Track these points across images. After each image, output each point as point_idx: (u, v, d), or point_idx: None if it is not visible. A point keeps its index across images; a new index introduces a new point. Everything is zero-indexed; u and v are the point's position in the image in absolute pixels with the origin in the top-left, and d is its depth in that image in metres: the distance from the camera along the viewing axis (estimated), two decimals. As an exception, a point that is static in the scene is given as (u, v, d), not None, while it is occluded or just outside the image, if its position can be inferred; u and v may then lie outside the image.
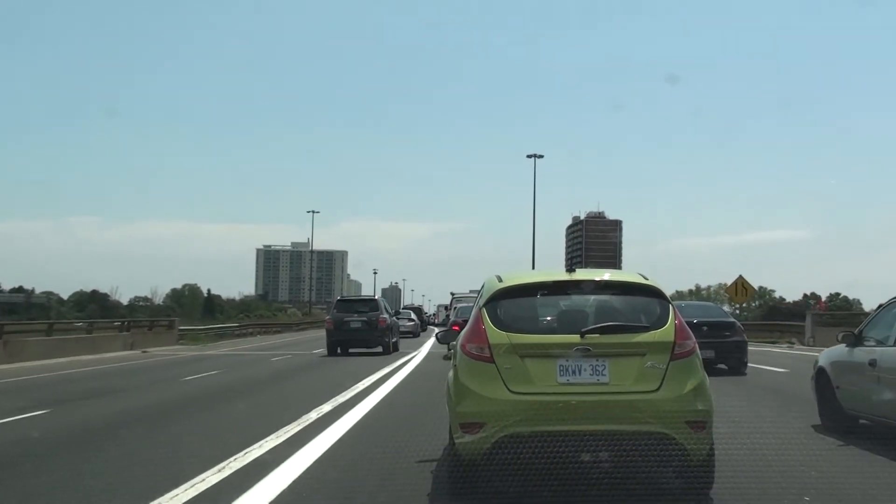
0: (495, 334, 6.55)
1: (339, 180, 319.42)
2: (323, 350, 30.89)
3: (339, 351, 28.86)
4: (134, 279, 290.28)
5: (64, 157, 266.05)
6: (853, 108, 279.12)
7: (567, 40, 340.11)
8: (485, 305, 6.86)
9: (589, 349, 6.36)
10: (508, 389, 6.33)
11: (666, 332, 6.52)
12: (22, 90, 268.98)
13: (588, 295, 7.09)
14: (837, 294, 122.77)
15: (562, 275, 7.13)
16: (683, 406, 6.28)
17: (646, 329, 6.58)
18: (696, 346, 6.66)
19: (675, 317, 6.67)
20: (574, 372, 6.35)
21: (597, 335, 6.43)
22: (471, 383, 6.49)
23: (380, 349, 28.84)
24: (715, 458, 6.51)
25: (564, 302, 7.05)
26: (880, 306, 10.88)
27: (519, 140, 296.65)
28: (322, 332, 34.51)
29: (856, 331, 10.52)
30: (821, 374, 10.87)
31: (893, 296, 10.00)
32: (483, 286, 7.45)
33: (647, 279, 7.13)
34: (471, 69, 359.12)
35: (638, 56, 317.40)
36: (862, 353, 9.84)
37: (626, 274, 7.52)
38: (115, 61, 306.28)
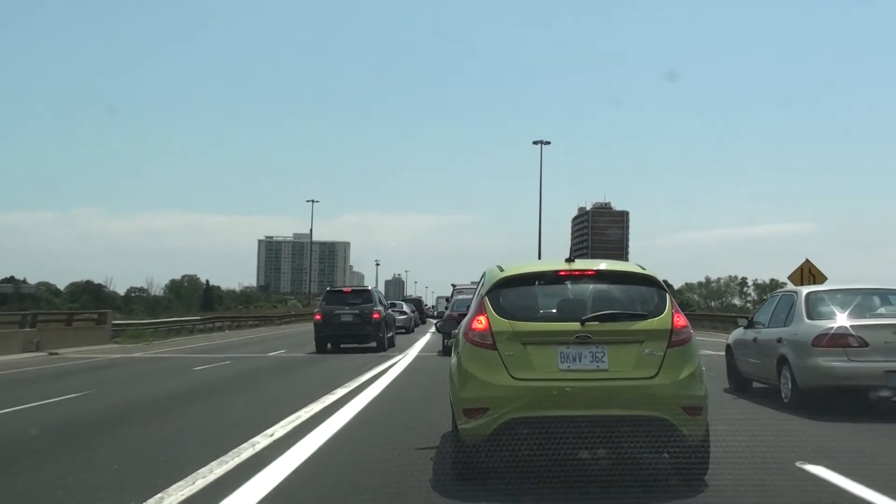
0: (498, 322, 6.45)
1: (341, 172, 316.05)
2: (282, 352, 25.92)
3: (328, 347, 25.39)
4: (137, 270, 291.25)
5: (67, 150, 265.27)
6: (863, 103, 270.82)
7: (571, 34, 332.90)
8: (487, 294, 6.73)
9: (589, 336, 6.30)
10: (511, 375, 6.25)
11: (663, 320, 6.44)
12: (26, 85, 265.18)
13: (587, 284, 6.88)
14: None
15: (561, 265, 6.94)
16: (680, 391, 6.23)
17: (644, 317, 6.48)
18: (693, 333, 6.62)
19: (673, 306, 6.60)
20: (574, 359, 6.28)
21: (596, 323, 6.36)
22: (474, 369, 6.39)
23: (373, 345, 25.49)
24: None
25: (564, 291, 6.89)
26: (763, 299, 18.08)
27: (523, 133, 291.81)
28: (304, 327, 29.19)
29: (750, 317, 14.25)
30: (728, 350, 14.19)
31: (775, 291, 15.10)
32: (484, 276, 7.30)
33: (644, 269, 6.99)
34: (474, 61, 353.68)
35: (642, 50, 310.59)
36: (750, 333, 13.14)
37: (624, 264, 7.47)
38: (117, 56, 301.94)
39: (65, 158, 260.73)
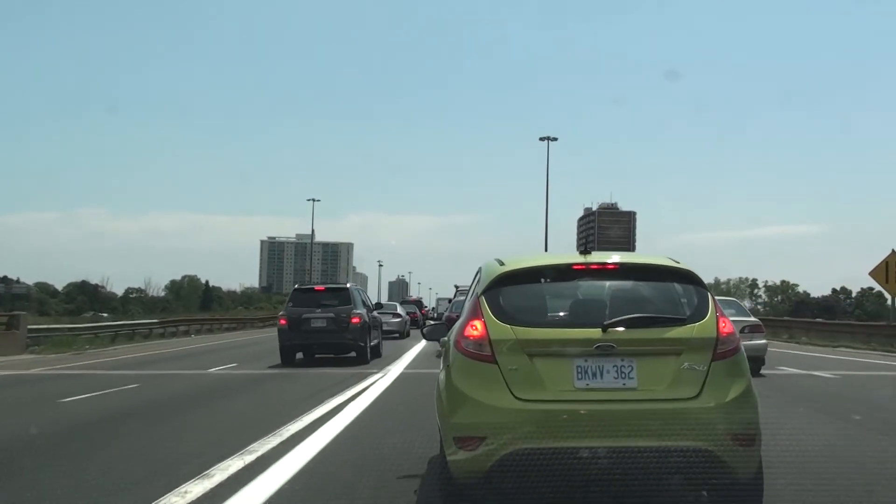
0: (497, 328, 5.21)
1: (345, 173, 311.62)
2: (231, 366, 19.74)
3: (298, 357, 20.55)
4: (140, 271, 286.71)
5: (71, 151, 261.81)
6: (875, 100, 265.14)
7: (573, 34, 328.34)
8: (484, 293, 5.47)
9: (613, 346, 5.07)
10: (514, 396, 5.01)
11: (706, 326, 5.21)
12: (28, 85, 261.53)
13: (609, 281, 5.67)
14: (871, 289, 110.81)
15: (575, 257, 5.65)
16: (728, 416, 4.99)
17: (682, 322, 5.24)
18: (741, 343, 5.37)
19: (716, 308, 5.37)
20: (594, 374, 5.05)
21: (622, 329, 5.12)
22: (468, 388, 5.13)
23: (353, 355, 20.56)
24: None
25: (580, 289, 5.71)
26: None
27: (527, 133, 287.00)
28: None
29: None
30: None
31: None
32: (480, 271, 6.00)
33: (678, 263, 5.73)
34: (477, 62, 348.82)
35: (646, 50, 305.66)
36: None
37: (654, 256, 5.97)
38: (119, 56, 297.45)
39: (68, 158, 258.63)
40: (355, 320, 20.36)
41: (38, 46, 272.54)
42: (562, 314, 5.49)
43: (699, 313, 5.24)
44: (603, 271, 5.60)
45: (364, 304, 21.95)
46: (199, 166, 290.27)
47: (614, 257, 5.75)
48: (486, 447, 4.88)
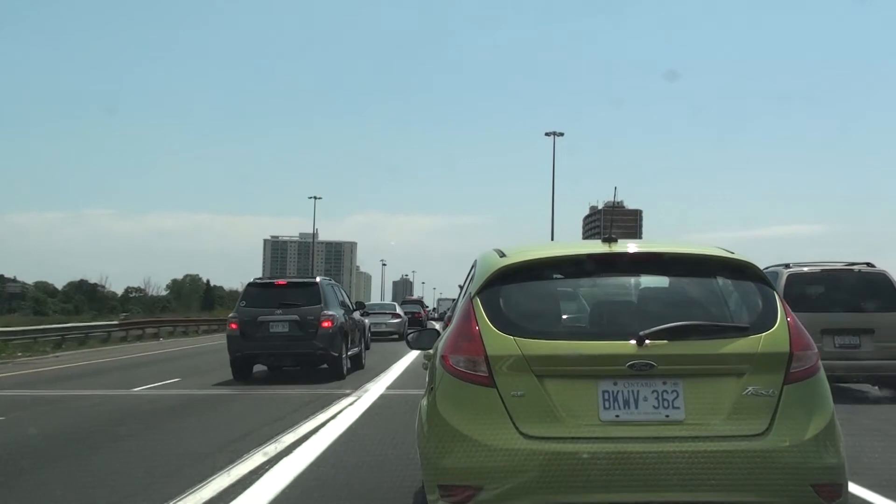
0: (496, 340, 3.97)
1: (349, 173, 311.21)
2: (168, 382, 15.91)
3: (253, 370, 16.37)
4: (145, 270, 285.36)
5: (77, 151, 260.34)
6: (875, 100, 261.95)
7: (573, 34, 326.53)
8: (479, 293, 4.21)
9: (651, 364, 3.83)
10: (518, 431, 3.81)
11: (775, 338, 3.96)
12: (31, 86, 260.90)
13: (641, 278, 4.37)
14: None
15: (597, 246, 4.34)
16: (809, 459, 3.80)
17: (743, 332, 3.99)
18: (820, 359, 4.09)
19: (787, 313, 4.10)
20: (627, 402, 3.84)
21: (664, 342, 3.87)
22: (457, 419, 3.90)
23: (325, 367, 16.31)
24: None
25: (605, 288, 4.42)
26: None
27: (528, 133, 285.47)
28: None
29: None
30: None
31: None
32: (475, 266, 4.74)
33: (732, 252, 4.42)
34: (477, 62, 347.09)
35: (642, 50, 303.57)
36: None
37: (700, 246, 4.57)
38: (119, 56, 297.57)
39: (71, 159, 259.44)
40: (326, 324, 16.01)
41: (39, 46, 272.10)
42: (581, 321, 4.30)
43: (765, 320, 4.02)
44: (634, 264, 4.31)
45: (340, 303, 17.64)
46: (202, 166, 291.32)
47: (649, 247, 4.42)
48: (482, 499, 3.72)
